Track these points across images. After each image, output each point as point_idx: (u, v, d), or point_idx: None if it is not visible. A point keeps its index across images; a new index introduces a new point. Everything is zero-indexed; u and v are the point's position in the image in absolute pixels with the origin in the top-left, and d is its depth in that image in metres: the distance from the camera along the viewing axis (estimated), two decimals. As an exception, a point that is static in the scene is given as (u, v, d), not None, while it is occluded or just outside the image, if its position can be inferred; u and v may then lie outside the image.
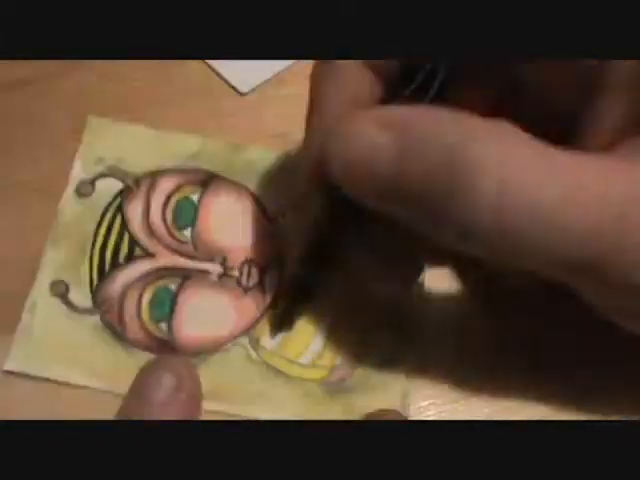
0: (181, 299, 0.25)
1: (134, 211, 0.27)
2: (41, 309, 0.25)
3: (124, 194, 0.27)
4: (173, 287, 0.26)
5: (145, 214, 0.27)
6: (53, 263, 0.26)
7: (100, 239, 0.26)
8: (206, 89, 0.29)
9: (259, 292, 0.26)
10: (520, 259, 0.19)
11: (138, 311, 0.25)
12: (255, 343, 0.25)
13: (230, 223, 0.27)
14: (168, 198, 0.27)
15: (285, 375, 0.25)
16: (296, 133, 0.28)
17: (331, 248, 0.25)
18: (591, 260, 0.18)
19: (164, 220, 0.27)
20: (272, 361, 0.25)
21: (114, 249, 0.26)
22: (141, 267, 0.26)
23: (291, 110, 0.29)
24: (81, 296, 0.25)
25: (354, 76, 0.22)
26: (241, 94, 0.29)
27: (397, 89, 0.22)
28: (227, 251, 0.26)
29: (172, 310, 0.25)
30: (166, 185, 0.27)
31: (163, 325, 0.25)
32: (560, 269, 0.19)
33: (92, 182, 0.27)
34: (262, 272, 0.26)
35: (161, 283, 0.26)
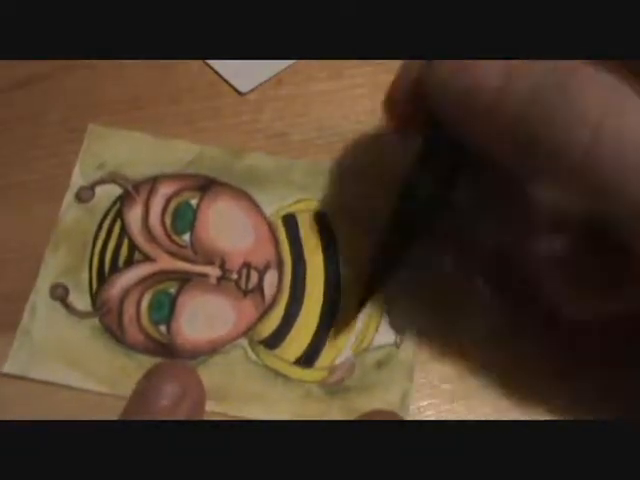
0: (180, 302, 0.26)
1: (134, 216, 0.27)
2: (41, 312, 0.25)
3: (124, 199, 0.27)
4: (172, 290, 0.26)
5: (144, 219, 0.27)
6: (53, 267, 0.26)
7: (100, 243, 0.26)
8: (206, 89, 0.30)
9: (258, 294, 0.26)
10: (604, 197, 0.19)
11: (137, 314, 0.25)
12: (255, 345, 0.25)
13: (229, 227, 0.27)
14: (167, 203, 0.27)
15: (284, 376, 0.25)
16: (296, 133, 0.29)
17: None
18: None
19: (163, 224, 0.27)
20: (271, 363, 0.25)
21: (114, 253, 0.26)
22: (140, 271, 0.26)
23: (291, 110, 0.29)
24: (81, 299, 0.25)
25: None
26: (241, 94, 0.30)
27: None
28: (226, 254, 0.26)
29: (171, 313, 0.25)
30: (165, 190, 0.27)
31: (162, 328, 0.25)
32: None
33: (92, 188, 0.27)
34: (261, 275, 0.26)
35: (160, 287, 0.26)
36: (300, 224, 0.27)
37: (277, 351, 0.25)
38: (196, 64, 0.30)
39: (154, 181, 0.28)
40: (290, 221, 0.27)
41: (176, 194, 0.27)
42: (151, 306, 0.25)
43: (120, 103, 0.29)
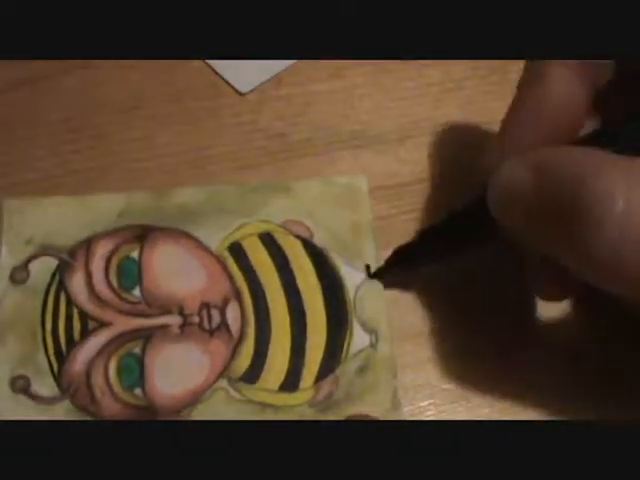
0: (148, 360, 0.25)
1: (77, 284, 0.26)
2: (5, 410, 0.24)
3: (62, 270, 0.26)
4: (137, 350, 0.25)
5: (89, 284, 0.26)
6: (7, 360, 0.24)
7: (49, 322, 0.25)
8: (206, 89, 0.30)
9: (224, 332, 0.25)
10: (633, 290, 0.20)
11: (108, 384, 0.24)
12: (234, 383, 0.25)
13: (177, 271, 0.26)
14: (108, 262, 0.26)
15: (273, 406, 0.24)
16: (296, 133, 0.29)
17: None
18: None
19: (110, 285, 0.26)
20: (256, 396, 0.24)
21: (66, 328, 0.25)
22: (99, 339, 0.25)
23: (291, 110, 0.29)
24: (45, 386, 0.24)
25: (559, 77, 0.22)
26: (241, 94, 0.30)
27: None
28: (181, 300, 0.26)
29: (142, 374, 0.24)
30: (102, 250, 0.26)
31: (137, 391, 0.24)
32: None
33: (25, 266, 0.26)
34: (222, 311, 0.26)
35: (123, 350, 0.25)
36: (248, 250, 0.27)
37: (258, 383, 0.25)
38: (196, 64, 0.30)
39: (88, 243, 0.26)
40: (237, 250, 0.27)
41: (114, 251, 0.26)
42: (120, 372, 0.24)
43: (120, 103, 0.29)
